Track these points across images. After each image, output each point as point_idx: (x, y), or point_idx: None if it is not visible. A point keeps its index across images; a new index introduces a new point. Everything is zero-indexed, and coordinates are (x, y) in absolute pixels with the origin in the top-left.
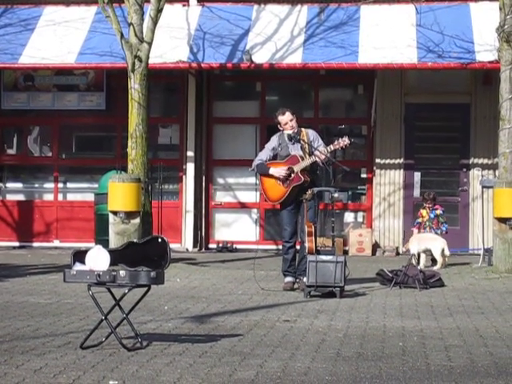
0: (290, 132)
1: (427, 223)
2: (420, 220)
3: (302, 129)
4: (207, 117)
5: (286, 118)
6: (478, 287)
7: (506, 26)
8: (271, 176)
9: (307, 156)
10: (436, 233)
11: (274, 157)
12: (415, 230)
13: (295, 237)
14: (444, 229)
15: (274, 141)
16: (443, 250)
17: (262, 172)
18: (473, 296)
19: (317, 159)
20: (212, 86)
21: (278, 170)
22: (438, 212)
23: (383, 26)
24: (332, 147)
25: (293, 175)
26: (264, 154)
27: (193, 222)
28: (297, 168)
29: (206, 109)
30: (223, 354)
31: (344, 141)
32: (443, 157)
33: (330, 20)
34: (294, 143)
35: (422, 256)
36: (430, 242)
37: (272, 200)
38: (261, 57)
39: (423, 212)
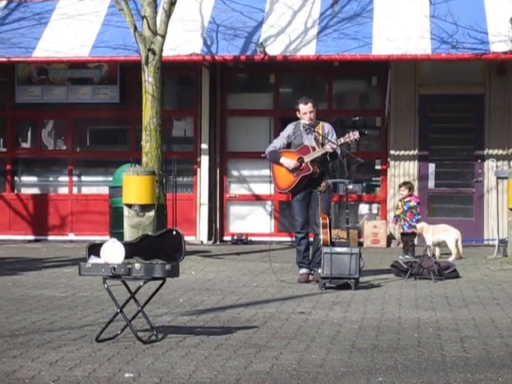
0: (307, 122)
1: (401, 216)
2: (398, 213)
3: (320, 121)
4: (221, 109)
5: (306, 108)
6: (493, 278)
7: None
8: (282, 164)
9: (319, 148)
10: (410, 225)
11: (288, 145)
12: (393, 225)
13: (307, 227)
14: (414, 220)
15: (289, 129)
16: (457, 241)
17: (274, 160)
18: (488, 287)
19: (328, 150)
20: (226, 78)
21: (289, 161)
22: (412, 204)
23: (397, 17)
24: (342, 140)
25: (303, 165)
26: (278, 142)
27: (207, 214)
28: (307, 158)
29: (220, 101)
30: (238, 347)
31: (354, 134)
32: (457, 148)
33: (344, 11)
34: (308, 133)
35: (437, 249)
36: (444, 234)
37: (281, 188)
38: (274, 49)
39: (399, 204)
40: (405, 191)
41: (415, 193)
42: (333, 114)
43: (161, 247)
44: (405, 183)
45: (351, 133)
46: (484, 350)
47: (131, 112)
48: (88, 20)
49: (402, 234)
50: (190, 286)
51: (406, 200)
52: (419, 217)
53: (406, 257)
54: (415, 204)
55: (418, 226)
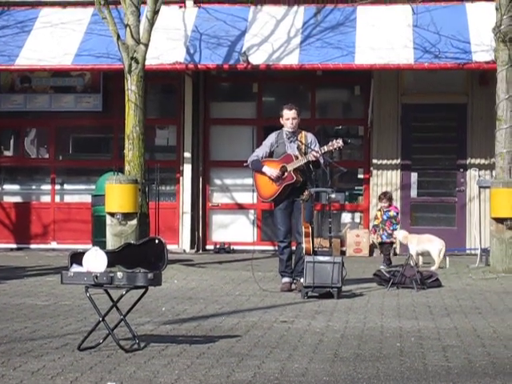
0: (290, 129)
1: (380, 225)
2: (376, 222)
3: (302, 131)
4: (204, 118)
5: (290, 114)
6: (476, 287)
7: (502, 27)
8: (264, 173)
9: (302, 156)
10: (389, 234)
11: (271, 154)
12: (371, 235)
13: (289, 236)
14: (391, 229)
15: (272, 137)
16: (441, 251)
17: (256, 169)
18: (470, 296)
19: (311, 159)
20: (209, 87)
21: (271, 171)
22: (392, 213)
23: (380, 26)
24: (326, 148)
25: (286, 174)
26: (261, 151)
27: (190, 223)
28: (290, 167)
29: (203, 110)
30: (221, 355)
31: (338, 143)
32: (440, 157)
33: (327, 21)
34: (291, 142)
35: (420, 258)
36: (428, 244)
37: (264, 197)
38: (257, 58)
39: (378, 214)
40: (386, 203)
41: (397, 202)
42: (316, 122)
43: (143, 256)
44: (385, 194)
45: (335, 141)
46: (466, 359)
47: (114, 120)
48: (71, 28)
49: (380, 244)
50: (172, 295)
51: (385, 210)
52: (398, 226)
53: (382, 267)
54: (395, 214)
55: (400, 234)
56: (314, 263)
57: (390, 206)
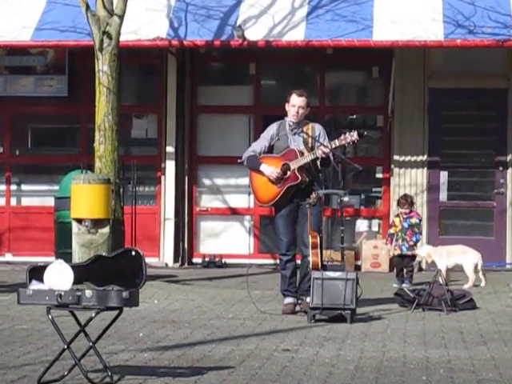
0: (293, 119)
1: (399, 234)
2: (392, 231)
3: (309, 122)
4: (191, 105)
5: (297, 102)
6: None
7: None
8: (263, 173)
9: (309, 152)
10: (410, 246)
11: (271, 149)
12: (388, 246)
13: (293, 248)
14: (414, 240)
15: (272, 129)
16: (476, 266)
17: (253, 167)
18: (511, 320)
19: (319, 156)
20: (196, 68)
21: (271, 169)
22: (414, 221)
23: None
24: (337, 142)
25: (288, 173)
26: (259, 145)
27: (173, 231)
28: (294, 165)
29: (190, 95)
30: None
31: (352, 136)
32: (475, 153)
33: None
34: (295, 135)
35: (449, 274)
36: (460, 256)
37: (262, 201)
38: (255, 33)
39: (396, 220)
40: (407, 208)
41: (423, 207)
42: (325, 111)
43: (117, 270)
44: (405, 197)
45: (348, 134)
46: None
47: (82, 108)
48: None
49: (400, 257)
50: (152, 318)
51: (405, 216)
52: (420, 236)
53: (404, 285)
54: (417, 221)
55: (423, 250)
56: (322, 280)
57: (411, 211)
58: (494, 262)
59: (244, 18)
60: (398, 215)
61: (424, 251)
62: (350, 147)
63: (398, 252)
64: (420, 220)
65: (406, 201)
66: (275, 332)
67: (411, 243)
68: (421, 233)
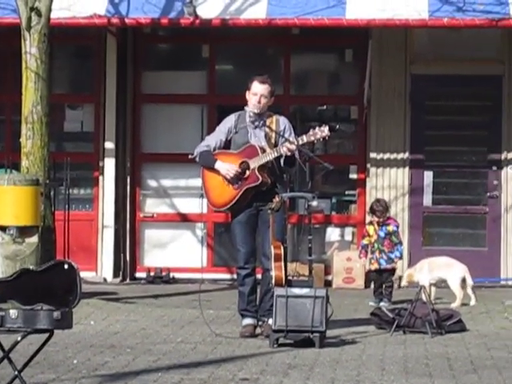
0: (255, 110)
1: (376, 245)
2: (366, 241)
3: (273, 115)
4: (133, 94)
5: (259, 89)
6: None
7: None
8: (217, 171)
9: (271, 149)
10: (390, 258)
11: (228, 143)
12: (362, 261)
13: (253, 261)
14: (398, 254)
15: (230, 120)
16: (464, 281)
17: (206, 164)
18: (506, 344)
19: (283, 153)
20: (140, 50)
21: (228, 167)
22: (391, 228)
23: None
24: (305, 138)
25: (248, 173)
26: (213, 139)
27: (113, 241)
28: (254, 164)
29: (132, 82)
30: None
31: (322, 131)
32: (465, 150)
33: None
34: (256, 128)
35: (432, 289)
36: (445, 270)
37: (216, 205)
38: (209, 10)
39: (370, 229)
40: (381, 216)
41: (404, 213)
42: (291, 101)
43: (47, 287)
44: (378, 202)
45: (318, 129)
46: None
47: (5, 96)
48: None
49: (377, 271)
50: (87, 342)
51: (381, 223)
52: (402, 247)
53: (383, 304)
54: (395, 229)
55: (404, 277)
56: (287, 298)
57: (387, 218)
58: (487, 278)
59: None
60: (370, 223)
61: (404, 277)
62: (319, 143)
63: (375, 266)
64: (397, 227)
65: (381, 207)
66: (232, 358)
67: (395, 259)
68: (401, 242)
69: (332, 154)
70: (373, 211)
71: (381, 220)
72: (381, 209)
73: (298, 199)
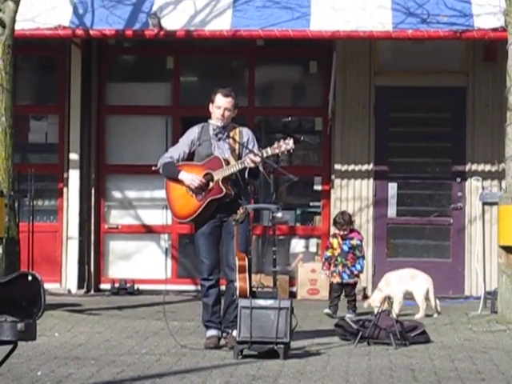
0: (218, 123)
1: (339, 259)
2: (329, 253)
3: (237, 126)
4: (98, 105)
5: (223, 103)
6: (478, 343)
7: None
8: (181, 182)
9: (235, 161)
10: (352, 273)
11: (191, 155)
12: (325, 273)
13: (217, 272)
14: (359, 268)
15: (193, 132)
16: (427, 292)
17: (170, 175)
18: (470, 356)
19: (247, 165)
20: (105, 61)
21: (191, 177)
22: (355, 242)
23: None
24: (269, 151)
25: (211, 184)
26: (176, 151)
27: (77, 252)
28: (217, 175)
29: (97, 94)
30: None
31: (287, 144)
32: (429, 161)
33: None
34: (219, 140)
35: (396, 300)
36: (409, 282)
37: (179, 216)
38: (174, 21)
39: (334, 242)
40: (345, 229)
41: (368, 224)
42: (255, 112)
43: (10, 298)
44: (343, 215)
45: (282, 141)
46: None
47: None
48: None
49: (340, 285)
50: (52, 354)
51: (345, 237)
52: (364, 262)
53: (348, 315)
54: (358, 243)
55: (377, 297)
56: (251, 309)
57: (351, 231)
58: (451, 289)
59: (160, 4)
60: (334, 235)
61: (376, 298)
62: (284, 155)
63: (337, 280)
64: (361, 241)
65: (342, 220)
66: (196, 370)
67: (356, 272)
68: (363, 256)
69: (297, 165)
70: (335, 223)
71: (343, 233)
72: (342, 221)
73: (263, 211)
